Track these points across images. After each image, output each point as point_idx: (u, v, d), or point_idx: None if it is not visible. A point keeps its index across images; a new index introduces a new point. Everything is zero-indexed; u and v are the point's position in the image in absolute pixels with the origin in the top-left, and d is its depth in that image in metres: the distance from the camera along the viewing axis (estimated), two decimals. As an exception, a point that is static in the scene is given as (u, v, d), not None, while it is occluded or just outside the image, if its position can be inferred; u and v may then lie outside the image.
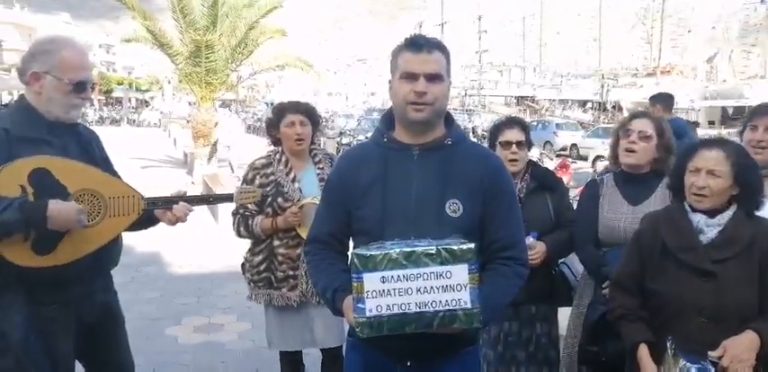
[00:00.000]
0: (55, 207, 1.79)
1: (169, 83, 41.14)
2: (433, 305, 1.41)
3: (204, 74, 12.60)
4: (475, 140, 2.76)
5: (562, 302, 2.62)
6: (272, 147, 2.82)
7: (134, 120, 37.76)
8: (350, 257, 1.48)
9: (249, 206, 2.62)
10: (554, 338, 2.61)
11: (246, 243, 2.80)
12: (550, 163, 10.33)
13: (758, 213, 1.89)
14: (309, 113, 2.73)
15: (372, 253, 1.42)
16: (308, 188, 2.67)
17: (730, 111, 25.81)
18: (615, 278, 2.03)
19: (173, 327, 4.23)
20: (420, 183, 1.63)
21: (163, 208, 2.07)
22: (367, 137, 1.98)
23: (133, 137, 23.93)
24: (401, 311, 1.41)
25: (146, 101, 52.46)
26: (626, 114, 4.15)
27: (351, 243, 1.76)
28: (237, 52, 13.05)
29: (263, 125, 3.61)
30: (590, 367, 2.33)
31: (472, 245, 1.44)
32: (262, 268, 2.68)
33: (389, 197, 1.63)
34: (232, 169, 11.72)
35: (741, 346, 1.71)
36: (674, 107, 5.59)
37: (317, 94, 58.36)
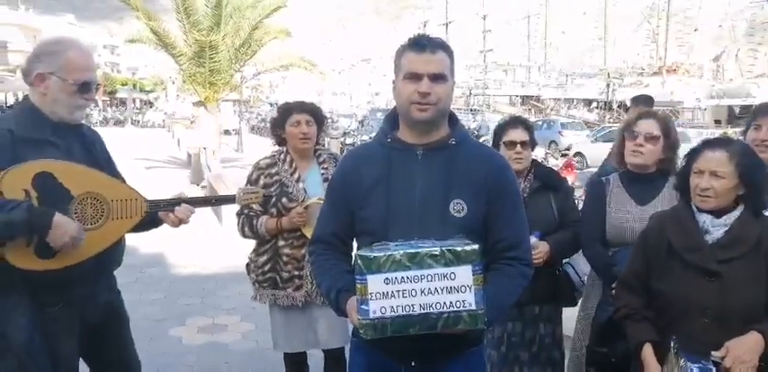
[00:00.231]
0: (61, 219, 1.80)
1: (173, 83, 41.23)
2: (438, 307, 1.41)
3: (208, 74, 12.63)
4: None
5: (566, 302, 2.62)
6: (277, 147, 2.82)
7: (138, 121, 37.88)
8: (353, 258, 1.48)
9: (254, 206, 2.62)
10: (558, 338, 2.60)
11: (250, 244, 2.79)
12: (555, 163, 10.30)
13: (766, 213, 1.88)
14: (315, 113, 2.73)
15: (376, 255, 1.42)
16: (313, 188, 2.66)
17: (737, 110, 25.68)
18: (621, 277, 2.03)
19: (177, 328, 4.24)
20: (424, 183, 1.62)
21: (165, 210, 2.08)
22: (371, 138, 1.97)
23: (137, 137, 24.02)
24: (405, 312, 1.40)
25: (150, 102, 52.63)
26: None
27: (355, 244, 1.75)
28: (241, 52, 13.06)
29: (268, 125, 3.60)
30: (598, 368, 2.31)
31: (476, 246, 1.44)
32: (267, 268, 2.67)
33: (393, 197, 1.63)
34: (202, 177, 10.78)
35: (744, 347, 1.70)
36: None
37: (320, 94, 58.39)
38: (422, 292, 1.41)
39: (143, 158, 14.81)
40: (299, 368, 2.87)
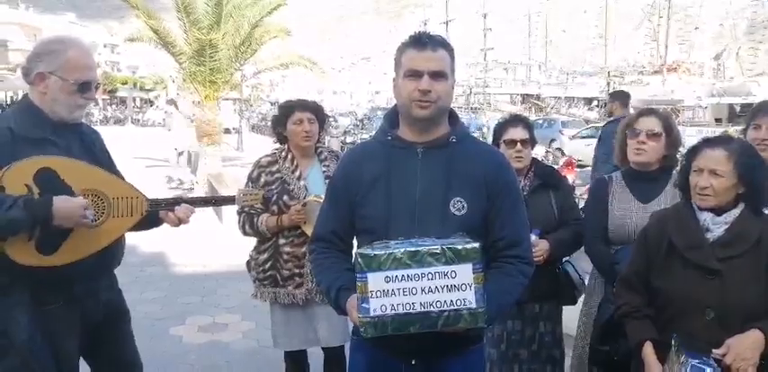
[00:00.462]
0: (60, 202, 1.78)
1: (173, 82, 41.19)
2: (438, 305, 1.41)
3: (208, 73, 12.58)
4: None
5: (566, 301, 2.62)
6: (278, 145, 2.81)
7: (138, 120, 37.88)
8: (354, 256, 1.47)
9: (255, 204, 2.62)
10: (558, 336, 2.60)
11: (250, 243, 2.79)
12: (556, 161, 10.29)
13: (767, 211, 1.87)
14: (317, 111, 2.73)
15: (376, 253, 1.42)
16: (314, 185, 2.66)
17: (737, 109, 25.64)
18: (621, 275, 2.03)
19: (177, 327, 4.25)
20: (424, 181, 1.62)
21: (166, 209, 2.08)
22: (371, 136, 1.97)
23: (137, 136, 24.00)
24: (405, 311, 1.40)
25: (150, 101, 52.58)
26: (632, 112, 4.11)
27: (355, 242, 1.75)
28: (241, 51, 13.03)
29: (268, 124, 3.59)
30: (601, 367, 2.31)
31: (477, 245, 1.44)
32: (267, 266, 2.68)
33: (393, 195, 1.63)
34: (181, 181, 10.57)
35: (745, 345, 1.71)
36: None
37: (321, 93, 58.34)
38: (422, 290, 1.41)
39: (143, 157, 14.81)
40: (300, 367, 2.87)
